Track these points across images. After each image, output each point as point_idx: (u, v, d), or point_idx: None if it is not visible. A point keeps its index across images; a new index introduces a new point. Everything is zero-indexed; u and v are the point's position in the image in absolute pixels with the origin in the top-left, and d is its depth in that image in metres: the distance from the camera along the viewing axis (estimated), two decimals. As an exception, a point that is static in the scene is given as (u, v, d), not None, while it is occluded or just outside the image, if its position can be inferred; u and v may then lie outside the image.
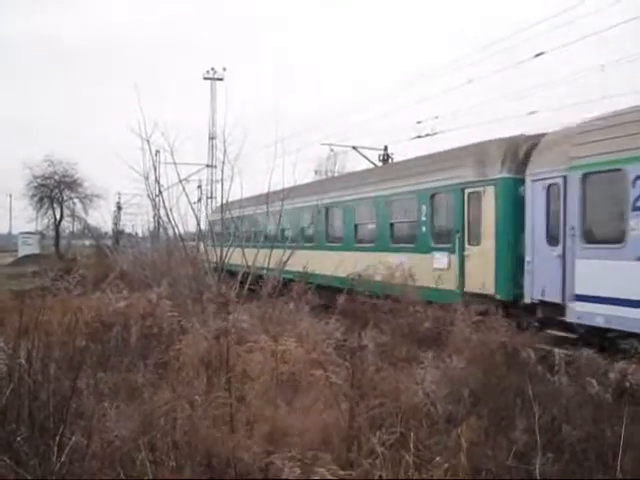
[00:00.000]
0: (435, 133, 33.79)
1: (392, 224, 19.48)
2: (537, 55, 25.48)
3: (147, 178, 17.79)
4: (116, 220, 70.17)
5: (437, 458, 5.92)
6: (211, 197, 60.89)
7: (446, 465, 5.84)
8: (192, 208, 19.89)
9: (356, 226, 21.67)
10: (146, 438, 5.75)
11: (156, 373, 7.57)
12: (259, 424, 5.89)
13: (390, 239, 19.38)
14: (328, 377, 6.45)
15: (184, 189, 18.45)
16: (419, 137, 34.92)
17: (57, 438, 5.48)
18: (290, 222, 24.55)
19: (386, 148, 43.30)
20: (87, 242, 62.39)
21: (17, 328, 7.31)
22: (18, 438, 5.92)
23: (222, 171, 17.49)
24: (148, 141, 17.19)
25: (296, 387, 6.81)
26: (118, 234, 61.84)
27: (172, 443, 5.76)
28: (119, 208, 73.09)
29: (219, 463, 5.45)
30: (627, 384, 6.65)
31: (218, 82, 68.52)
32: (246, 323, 7.80)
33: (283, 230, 24.92)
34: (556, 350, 8.83)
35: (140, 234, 46.23)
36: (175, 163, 18.00)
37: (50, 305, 9.67)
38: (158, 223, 26.16)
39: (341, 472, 4.49)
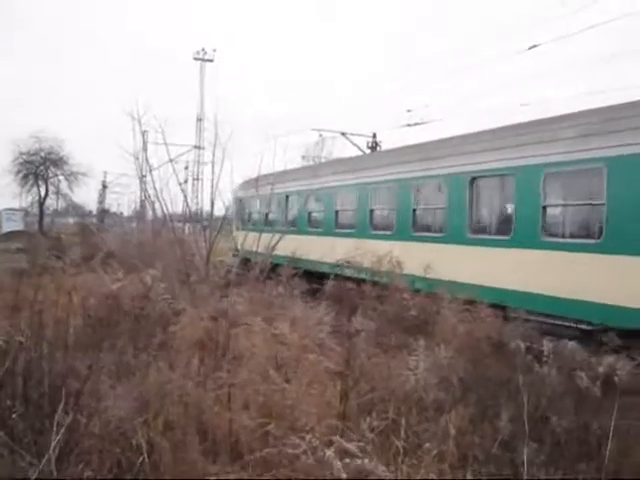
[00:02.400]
0: (424, 122, 34.05)
1: None
2: (531, 47, 25.73)
3: (137, 158, 17.99)
4: (101, 199, 69.99)
5: (427, 444, 6.03)
6: (198, 178, 61.00)
7: (435, 451, 5.94)
8: (182, 189, 20.11)
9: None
10: (143, 418, 5.84)
11: (154, 354, 7.64)
12: (257, 405, 6.02)
13: None
14: (322, 361, 6.58)
15: (174, 170, 18.64)
16: (409, 125, 35.18)
17: (56, 416, 5.54)
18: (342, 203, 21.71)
19: (375, 135, 43.51)
20: (71, 220, 62.23)
21: (13, 307, 7.37)
22: (13, 415, 5.98)
23: (213, 153, 17.69)
24: (139, 121, 17.40)
25: (292, 370, 6.92)
26: (103, 213, 61.69)
27: (169, 423, 5.87)
28: (105, 187, 72.81)
29: (215, 441, 5.58)
30: (615, 378, 6.82)
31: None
32: (241, 305, 7.90)
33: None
34: (545, 342, 8.98)
35: (125, 214, 46.25)
36: (166, 144, 18.17)
37: (45, 284, 9.72)
38: (145, 203, 26.30)
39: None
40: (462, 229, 14.94)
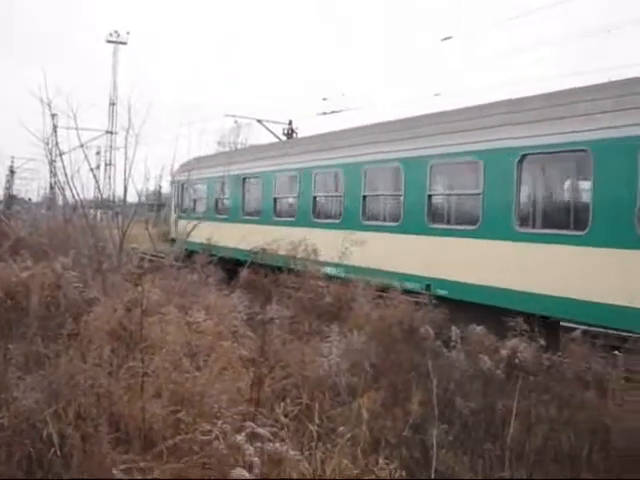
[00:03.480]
0: (340, 110, 34.33)
1: None
2: (444, 39, 26.33)
3: (47, 143, 17.40)
4: (8, 185, 67.71)
5: (340, 428, 6.13)
6: (110, 164, 59.75)
7: (348, 435, 6.05)
8: (94, 175, 19.61)
9: None
10: (53, 409, 5.73)
11: (66, 344, 7.49)
12: (169, 393, 6.00)
13: None
14: (236, 348, 6.59)
15: (86, 156, 18.11)
16: (324, 114, 35.39)
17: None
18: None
19: (291, 122, 43.52)
20: (-24, 206, 59.91)
21: None
22: None
23: (126, 138, 17.27)
24: (49, 105, 16.84)
25: (206, 358, 6.91)
26: (11, 199, 59.67)
27: (82, 413, 5.79)
28: (12, 172, 70.38)
29: (128, 431, 5.53)
30: (517, 361, 7.08)
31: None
32: (156, 295, 7.83)
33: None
34: (453, 327, 9.21)
35: (34, 200, 44.96)
36: (76, 128, 17.62)
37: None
38: (55, 189, 25.53)
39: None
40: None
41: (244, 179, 22.32)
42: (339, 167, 16.96)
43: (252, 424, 4.46)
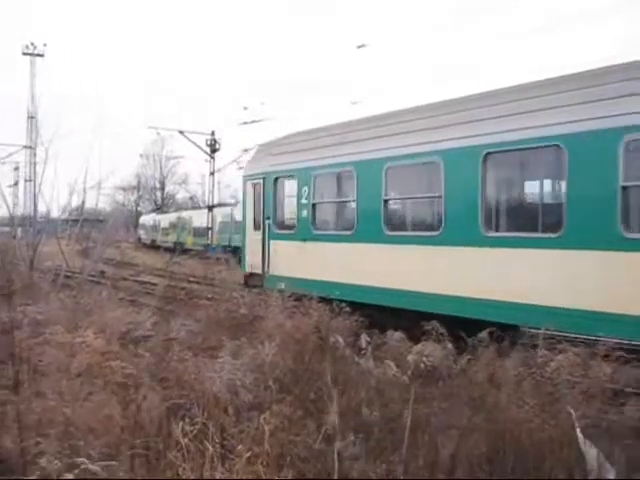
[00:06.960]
0: (261, 120, 34.25)
1: None
2: (359, 47, 26.59)
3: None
4: None
5: (239, 447, 5.87)
6: (30, 180, 58.21)
7: (249, 453, 5.79)
8: (1, 193, 18.99)
9: None
10: None
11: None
12: (46, 421, 5.60)
13: None
14: (124, 368, 6.24)
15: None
16: (245, 123, 35.29)
17: None
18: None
19: (213, 133, 43.38)
20: None
21: None
22: None
23: (35, 153, 16.79)
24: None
25: (91, 380, 6.52)
26: None
27: None
28: None
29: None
30: (422, 365, 6.93)
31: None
32: (41, 315, 7.38)
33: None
34: (363, 335, 9.06)
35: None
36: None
37: None
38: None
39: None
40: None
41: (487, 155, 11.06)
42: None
43: (85, 460, 4.07)
